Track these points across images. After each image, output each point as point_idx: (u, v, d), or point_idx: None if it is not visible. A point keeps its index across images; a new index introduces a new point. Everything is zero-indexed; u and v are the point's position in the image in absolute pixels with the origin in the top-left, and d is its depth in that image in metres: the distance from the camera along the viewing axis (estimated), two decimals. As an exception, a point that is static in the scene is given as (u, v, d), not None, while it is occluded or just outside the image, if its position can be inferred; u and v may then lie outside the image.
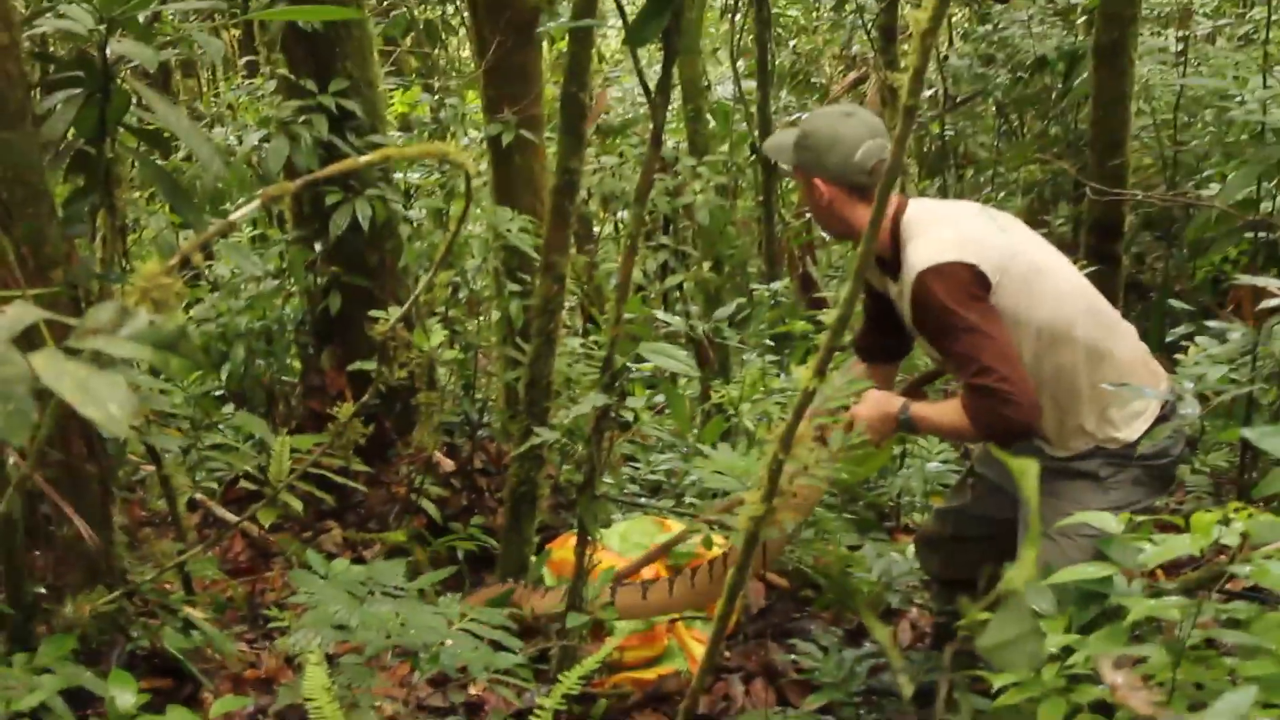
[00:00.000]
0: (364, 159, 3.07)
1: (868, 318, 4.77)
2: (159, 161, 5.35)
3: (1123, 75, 6.53)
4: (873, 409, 4.22)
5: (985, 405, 3.88)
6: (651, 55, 12.28)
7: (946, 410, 4.07)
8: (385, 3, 10.84)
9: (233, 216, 2.89)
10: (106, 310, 2.18)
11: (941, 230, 4.05)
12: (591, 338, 7.50)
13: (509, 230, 6.31)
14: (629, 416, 7.73)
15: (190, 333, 6.10)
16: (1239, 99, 7.35)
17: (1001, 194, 12.50)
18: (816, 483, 3.92)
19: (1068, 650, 3.42)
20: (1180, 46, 10.05)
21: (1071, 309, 4.11)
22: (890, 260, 4.18)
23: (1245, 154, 6.50)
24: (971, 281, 3.92)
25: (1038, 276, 4.07)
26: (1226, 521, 3.12)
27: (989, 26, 11.08)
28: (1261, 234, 7.32)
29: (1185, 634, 3.28)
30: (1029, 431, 3.96)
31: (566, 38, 5.02)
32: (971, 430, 3.98)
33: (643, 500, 6.93)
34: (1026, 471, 1.67)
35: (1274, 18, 8.40)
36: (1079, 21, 10.79)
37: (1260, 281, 4.44)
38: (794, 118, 12.21)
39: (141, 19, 4.51)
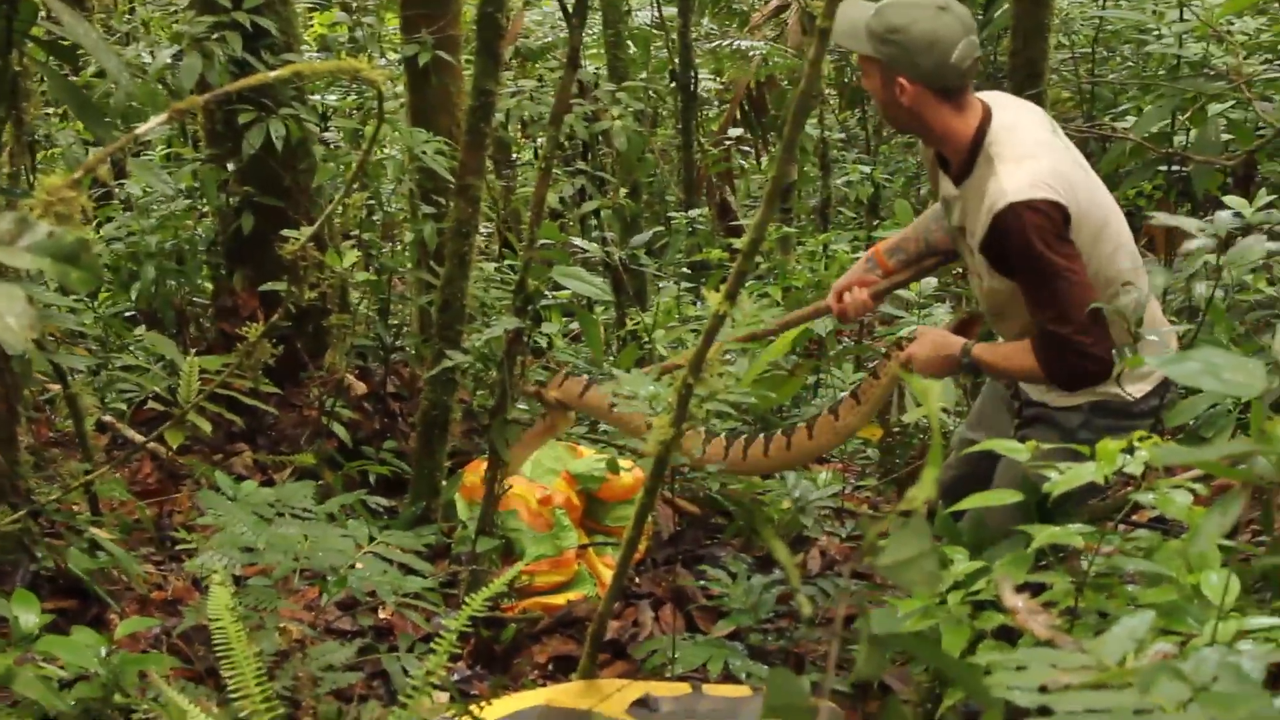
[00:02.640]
0: (275, 73, 3.03)
1: (906, 258, 4.63)
2: (68, 76, 5.24)
3: (1043, 6, 6.52)
4: (930, 350, 4.12)
5: (1060, 354, 3.81)
6: (572, -21, 12.19)
7: (1014, 354, 3.97)
8: (303, -80, 10.70)
9: (142, 129, 2.84)
10: (5, 221, 2.14)
11: (1037, 161, 3.85)
12: (507, 262, 7.47)
13: (424, 152, 6.25)
14: (543, 342, 7.71)
15: (94, 247, 6.02)
16: (1157, 32, 7.38)
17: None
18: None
19: (974, 577, 3.46)
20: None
21: (1124, 261, 4.03)
22: (961, 165, 4.00)
23: (1161, 88, 6.52)
24: (1062, 223, 3.79)
25: (1105, 225, 3.96)
26: (1131, 450, 3.15)
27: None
28: (1175, 168, 7.37)
29: (1089, 563, 3.31)
30: (1100, 383, 3.89)
31: (484, -42, 4.96)
32: (1042, 375, 3.92)
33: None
34: (929, 392, 1.66)
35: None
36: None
37: (1174, 221, 4.45)
38: (716, 44, 12.18)
39: (49, -72, 4.42)
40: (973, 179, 3.95)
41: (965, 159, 3.97)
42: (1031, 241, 3.73)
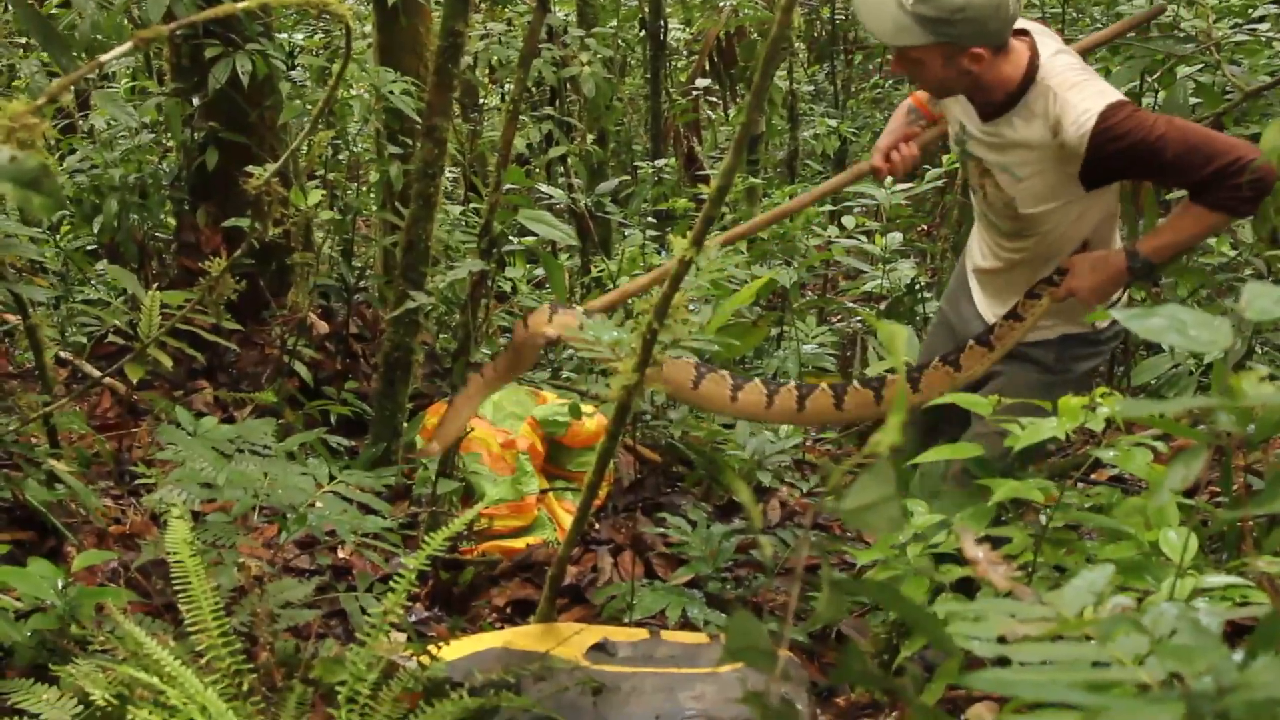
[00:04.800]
0: (242, 4, 3.00)
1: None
2: (33, 5, 5.19)
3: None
4: (1093, 276, 4.08)
5: (1234, 185, 3.81)
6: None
7: (1181, 225, 3.99)
8: None
9: (106, 57, 2.81)
10: (-33, 146, 2.12)
11: (1095, 80, 3.96)
12: (473, 205, 7.45)
13: (391, 92, 6.21)
14: (507, 287, 7.70)
15: (60, 180, 5.97)
16: (1128, -7, 7.37)
17: (890, 81, 12.52)
18: None
19: (934, 530, 3.48)
20: (1072, -60, 10.05)
21: (1108, 224, 4.25)
22: (1004, 102, 4.02)
23: (1130, 50, 6.51)
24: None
25: None
26: (1093, 407, 3.16)
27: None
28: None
29: (1049, 517, 3.33)
30: (1273, 184, 3.89)
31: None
32: (1225, 222, 3.99)
33: (518, 371, 6.92)
34: (895, 336, 1.66)
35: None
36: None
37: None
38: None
39: None
40: (1020, 111, 4.00)
41: (1012, 94, 4.00)
42: (1142, 126, 3.81)
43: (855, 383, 4.42)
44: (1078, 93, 3.89)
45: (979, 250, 4.46)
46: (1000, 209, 4.17)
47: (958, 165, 4.55)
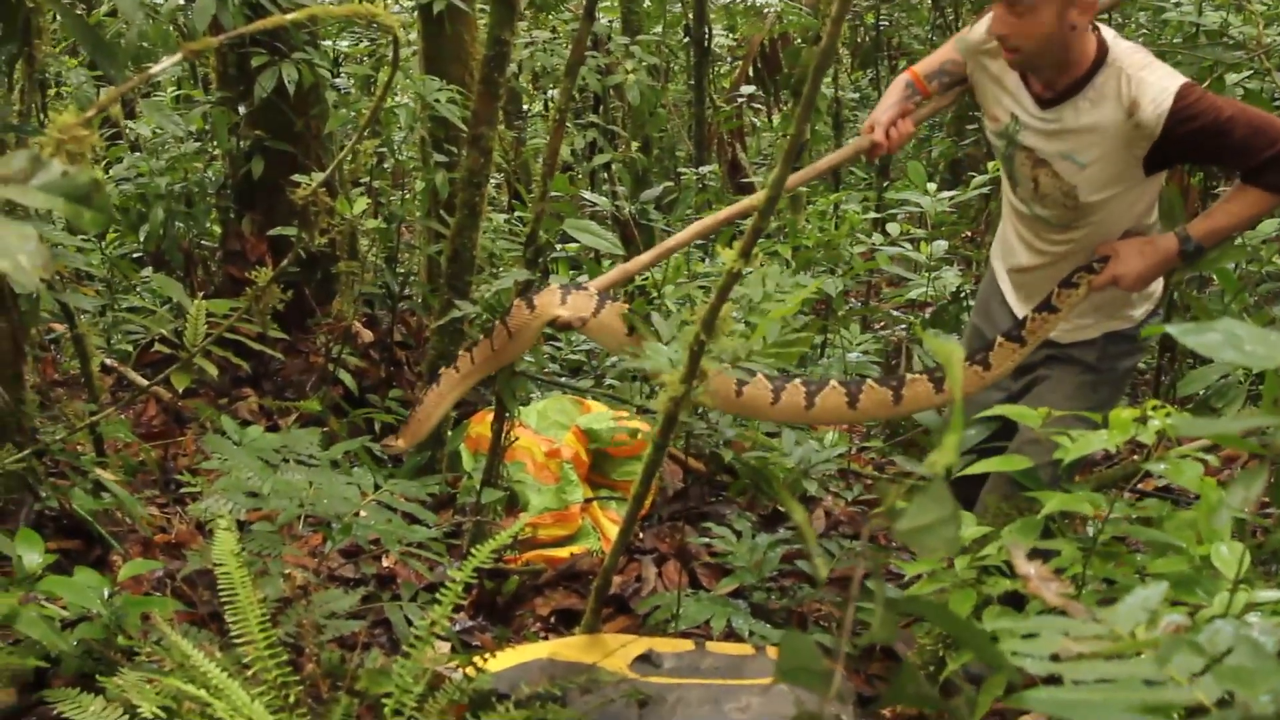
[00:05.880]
0: (291, 15, 3.01)
1: (951, 81, 4.57)
2: (81, 14, 5.22)
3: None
4: (1141, 261, 4.07)
5: None
6: (588, -70, 12.12)
7: (1236, 208, 4.02)
8: None
9: (155, 69, 2.82)
10: (19, 159, 2.12)
11: (1163, 64, 3.99)
12: (517, 214, 7.44)
13: (437, 100, 6.21)
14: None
15: (107, 190, 5.99)
16: (1175, 1, 7.33)
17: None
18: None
19: (981, 541, 3.45)
20: (1119, -55, 10.00)
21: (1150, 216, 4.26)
22: (1073, 84, 4.02)
23: (1178, 55, 6.48)
24: None
25: None
26: (1144, 419, 3.13)
27: (930, -84, 11.01)
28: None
29: (1098, 530, 3.30)
30: None
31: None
32: (1277, 204, 4.04)
33: (562, 380, 6.91)
34: (952, 358, 1.64)
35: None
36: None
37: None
38: (729, 0, 12.12)
39: None
40: (1088, 94, 3.99)
41: (1083, 76, 4.00)
42: (1214, 107, 3.85)
43: (871, 382, 4.36)
44: (1151, 72, 3.91)
45: (1019, 248, 4.42)
46: (1057, 199, 4.13)
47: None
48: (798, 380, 4.31)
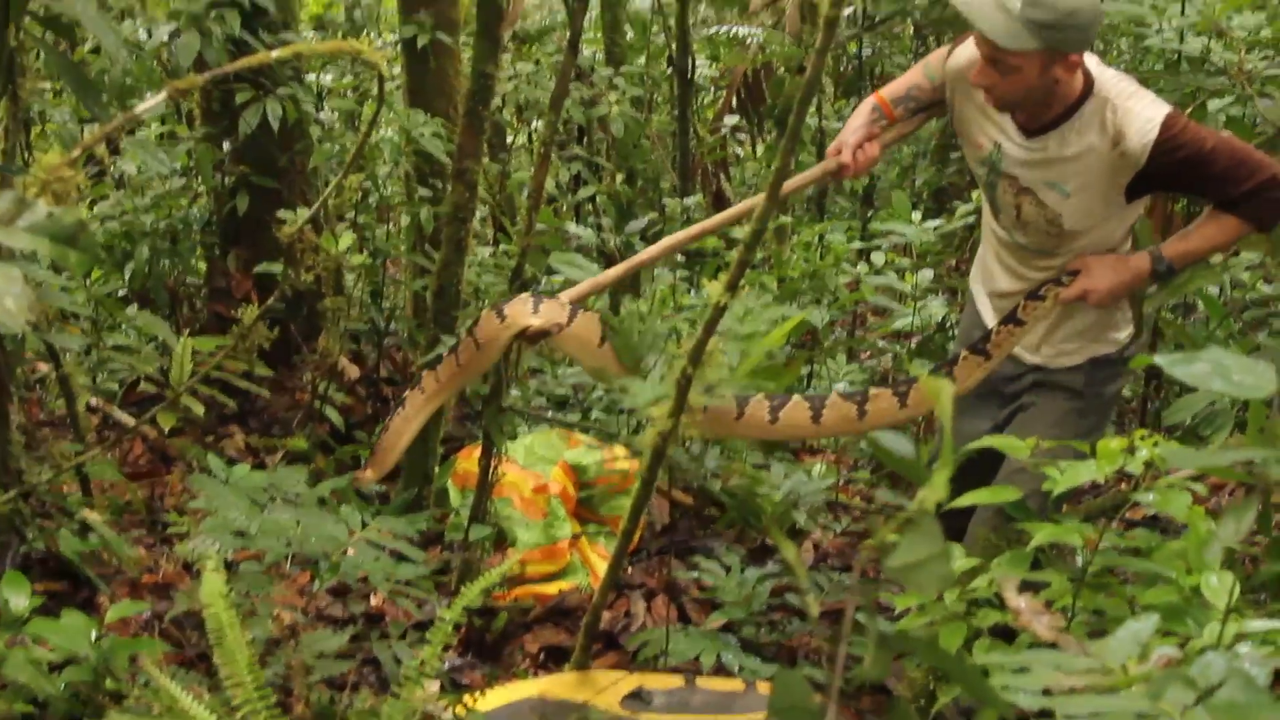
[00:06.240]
0: (275, 53, 3.01)
1: (917, 106, 4.55)
2: (65, 52, 5.21)
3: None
4: (1114, 276, 4.09)
5: (1270, 198, 3.92)
6: (570, -37, 12.13)
7: (1209, 233, 4.06)
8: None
9: (139, 109, 2.82)
10: (4, 201, 2.11)
11: (1148, 92, 4.02)
12: (502, 248, 7.44)
13: (421, 135, 6.21)
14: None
15: (91, 228, 5.97)
16: (1156, 27, 7.34)
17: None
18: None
19: (971, 574, 3.44)
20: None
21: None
22: (1059, 115, 4.03)
23: (1160, 83, 6.50)
24: None
25: None
26: (1132, 449, 3.13)
27: (911, -54, 11.03)
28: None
29: (1087, 561, 3.30)
30: None
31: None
32: (1249, 233, 4.06)
33: (549, 414, 6.90)
34: (941, 391, 1.64)
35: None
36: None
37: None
38: (713, 30, 12.14)
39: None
40: (1075, 124, 4.01)
41: (1070, 107, 4.02)
42: (1198, 137, 3.89)
43: (835, 395, 4.32)
44: (1137, 101, 3.94)
45: (999, 273, 4.41)
46: (1040, 226, 4.13)
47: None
48: (797, 397, 4.28)
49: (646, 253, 4.51)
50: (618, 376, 4.28)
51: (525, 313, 4.20)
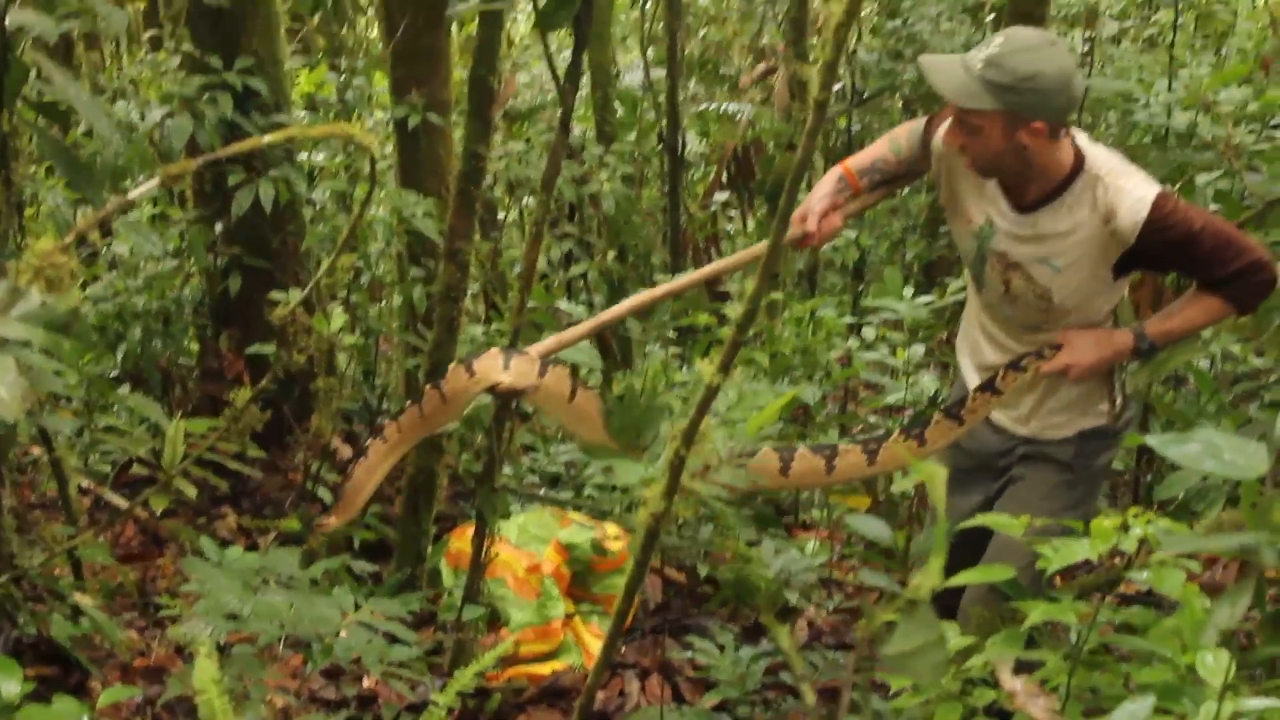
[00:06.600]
0: (268, 138, 3.03)
1: (881, 179, 4.52)
2: (58, 136, 5.23)
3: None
4: (1096, 351, 4.09)
5: (1253, 281, 3.95)
6: (561, 41, 12.22)
7: (1192, 313, 4.07)
8: (293, -20, 10.73)
9: (132, 194, 2.83)
10: (-3, 290, 2.12)
11: (1139, 171, 4.03)
12: (494, 326, 7.45)
13: (413, 214, 6.24)
14: (529, 407, 7.68)
15: (85, 313, 5.98)
16: (1143, 102, 7.40)
17: (906, 190, 12.55)
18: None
19: (966, 653, 3.43)
20: (1087, 47, 10.12)
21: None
22: (1050, 191, 4.03)
23: (1148, 157, 6.53)
24: None
25: None
26: (1126, 527, 3.13)
27: (898, 22, 11.11)
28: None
29: (1082, 639, 3.29)
30: (1274, 287, 4.03)
31: (476, 21, 4.95)
32: (1231, 315, 4.08)
33: (542, 491, 6.89)
34: (934, 479, 1.64)
35: (1179, 21, 8.48)
36: (988, 20, 10.85)
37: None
38: (704, 106, 12.19)
39: (42, -10, 4.42)
40: (1066, 200, 4.02)
41: (1061, 183, 4.02)
42: (1187, 218, 3.89)
43: (804, 448, 4.32)
44: (1128, 179, 3.95)
45: (986, 346, 4.41)
46: (1030, 301, 4.14)
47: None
48: (767, 447, 4.26)
49: (611, 311, 4.51)
50: (588, 433, 4.28)
51: (496, 368, 4.14)
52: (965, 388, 4.49)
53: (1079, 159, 4.01)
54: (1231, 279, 3.93)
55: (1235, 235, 3.95)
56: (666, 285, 4.59)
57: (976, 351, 4.47)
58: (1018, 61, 3.81)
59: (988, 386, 4.19)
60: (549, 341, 4.34)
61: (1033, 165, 3.97)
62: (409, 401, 4.37)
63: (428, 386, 4.28)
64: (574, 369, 4.25)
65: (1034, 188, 4.03)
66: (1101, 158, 4.03)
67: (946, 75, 3.91)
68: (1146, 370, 4.23)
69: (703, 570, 5.38)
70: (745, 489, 4.56)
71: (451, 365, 4.27)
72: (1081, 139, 4.07)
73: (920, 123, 4.42)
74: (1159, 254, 3.96)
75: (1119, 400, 4.29)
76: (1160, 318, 4.13)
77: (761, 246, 4.54)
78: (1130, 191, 3.90)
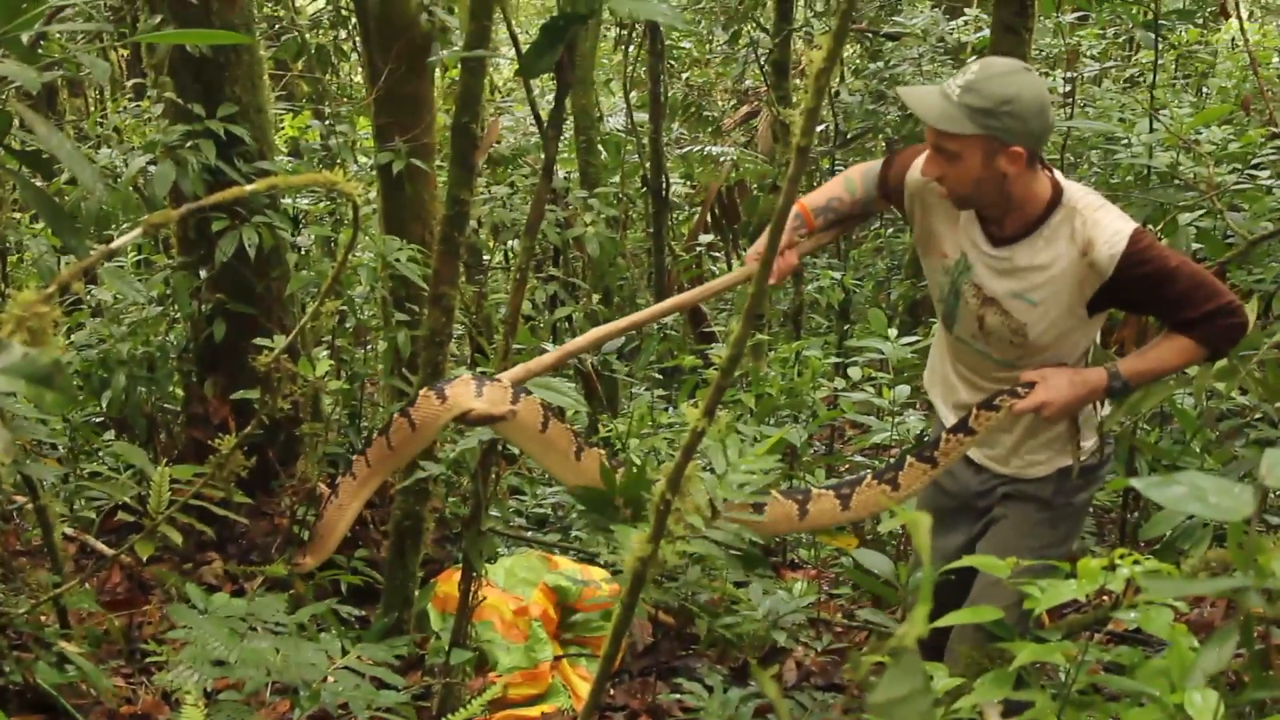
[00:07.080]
0: (251, 186, 3.02)
1: (835, 218, 4.54)
2: (40, 184, 5.23)
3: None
4: (1070, 390, 4.07)
5: (1224, 324, 3.97)
6: (544, 85, 12.26)
7: (1165, 355, 4.08)
8: (277, 26, 10.75)
9: (115, 243, 2.83)
10: (-21, 342, 2.11)
11: (1115, 207, 4.06)
12: (479, 369, 7.45)
13: (397, 260, 6.25)
14: (515, 450, 7.67)
15: (68, 363, 5.96)
16: (1125, 142, 7.43)
17: (890, 229, 12.59)
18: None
19: (955, 694, 3.43)
20: (1068, 88, 10.17)
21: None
22: (1028, 224, 4.06)
23: (1130, 197, 6.56)
24: None
25: None
26: (1113, 567, 3.13)
27: (880, 64, 11.17)
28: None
29: (1071, 678, 3.29)
30: (1245, 332, 4.05)
31: (459, 67, 4.97)
32: (1204, 357, 4.07)
33: (529, 534, 6.89)
34: (919, 526, 1.65)
35: (1160, 62, 8.52)
36: (970, 61, 10.90)
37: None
38: (687, 149, 12.22)
39: (26, 40, 4.42)
40: (1044, 233, 4.05)
41: (1039, 216, 4.05)
42: (1162, 255, 3.95)
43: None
44: (1105, 213, 3.98)
45: (959, 385, 4.42)
46: (1004, 336, 4.16)
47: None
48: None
49: (576, 341, 4.54)
50: (557, 465, 4.33)
51: (468, 395, 4.09)
52: (942, 427, 4.51)
53: (1057, 191, 4.04)
54: (1203, 320, 3.95)
55: (1208, 278, 3.99)
56: (630, 317, 4.60)
57: (951, 391, 4.48)
58: (994, 86, 3.86)
59: (960, 427, 4.19)
60: (517, 370, 4.31)
61: (1011, 196, 4.00)
62: (376, 433, 4.33)
63: (395, 415, 4.22)
64: (544, 402, 4.23)
65: (1012, 220, 4.05)
66: (1079, 193, 4.07)
67: (926, 102, 3.95)
68: (1115, 412, 4.24)
69: (698, 616, 5.37)
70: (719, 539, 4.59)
71: (421, 391, 4.21)
72: (1057, 174, 4.10)
73: (876, 164, 4.46)
74: (1134, 290, 3.98)
75: (1092, 440, 4.30)
76: (1134, 357, 4.16)
77: (725, 279, 4.58)
78: (1108, 225, 3.94)
